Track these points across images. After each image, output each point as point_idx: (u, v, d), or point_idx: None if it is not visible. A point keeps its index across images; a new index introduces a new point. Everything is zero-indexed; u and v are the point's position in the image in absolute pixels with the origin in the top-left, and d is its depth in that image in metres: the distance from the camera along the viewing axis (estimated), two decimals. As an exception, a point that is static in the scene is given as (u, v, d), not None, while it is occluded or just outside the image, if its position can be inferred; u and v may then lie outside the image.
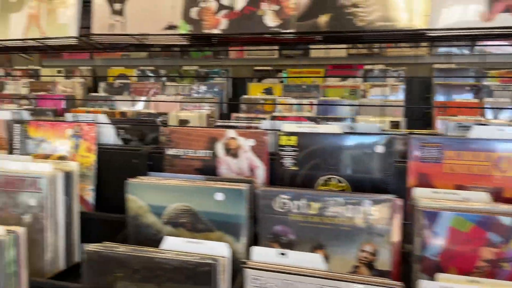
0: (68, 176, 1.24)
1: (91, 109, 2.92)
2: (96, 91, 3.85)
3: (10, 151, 1.42)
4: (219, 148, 1.22)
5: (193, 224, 1.08)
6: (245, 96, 3.32)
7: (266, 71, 3.73)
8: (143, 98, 3.47)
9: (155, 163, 1.32)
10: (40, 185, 1.18)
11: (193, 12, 1.13)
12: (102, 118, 1.39)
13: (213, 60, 3.95)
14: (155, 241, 1.14)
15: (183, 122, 2.68)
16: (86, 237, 1.30)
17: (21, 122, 1.42)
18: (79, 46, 1.30)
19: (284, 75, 3.68)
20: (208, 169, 1.23)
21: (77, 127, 1.36)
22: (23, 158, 1.31)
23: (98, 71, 4.12)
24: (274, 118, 2.53)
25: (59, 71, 4.19)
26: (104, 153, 1.36)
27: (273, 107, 3.12)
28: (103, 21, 1.24)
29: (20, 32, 1.31)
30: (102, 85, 3.76)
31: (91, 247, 0.97)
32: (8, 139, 1.42)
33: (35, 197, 1.18)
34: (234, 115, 2.84)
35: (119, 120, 1.49)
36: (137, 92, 3.67)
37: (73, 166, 1.27)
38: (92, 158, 1.36)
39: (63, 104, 3.39)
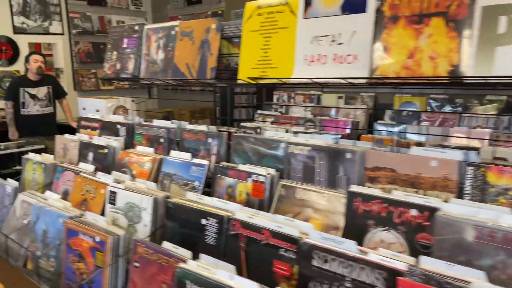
0: None
1: (380, 137, 2.80)
2: (377, 118, 3.78)
3: (459, 196, 1.29)
4: None
5: None
6: None
7: None
8: (438, 129, 3.19)
9: None
10: None
11: None
12: None
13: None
14: None
15: (498, 160, 2.27)
16: None
17: (477, 165, 1.28)
18: None
19: None
20: None
21: None
22: None
23: (380, 98, 4.05)
24: None
25: (339, 97, 4.32)
26: None
27: None
28: None
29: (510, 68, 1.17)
30: (388, 112, 3.66)
31: None
32: (457, 181, 1.30)
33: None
34: None
35: None
36: (429, 122, 3.42)
37: None
38: None
39: (347, 130, 3.39)
